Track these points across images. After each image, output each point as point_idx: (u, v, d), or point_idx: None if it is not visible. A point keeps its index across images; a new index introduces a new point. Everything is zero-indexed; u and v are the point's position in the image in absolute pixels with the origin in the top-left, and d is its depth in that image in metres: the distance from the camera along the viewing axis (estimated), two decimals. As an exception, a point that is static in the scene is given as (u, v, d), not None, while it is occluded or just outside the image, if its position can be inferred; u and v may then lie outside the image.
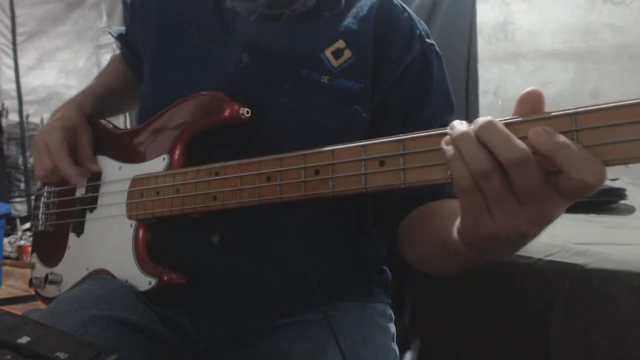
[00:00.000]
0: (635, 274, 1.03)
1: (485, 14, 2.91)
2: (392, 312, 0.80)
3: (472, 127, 0.41)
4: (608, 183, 1.72)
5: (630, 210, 1.46)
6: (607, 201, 1.47)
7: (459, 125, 0.42)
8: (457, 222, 0.46)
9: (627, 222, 1.35)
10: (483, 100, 2.41)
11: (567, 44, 2.81)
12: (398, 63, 0.70)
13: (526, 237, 0.42)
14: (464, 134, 0.41)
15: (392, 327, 0.77)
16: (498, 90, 2.88)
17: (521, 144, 0.38)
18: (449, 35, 2.71)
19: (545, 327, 1.10)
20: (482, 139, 0.40)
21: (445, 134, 0.43)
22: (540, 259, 1.11)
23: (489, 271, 1.15)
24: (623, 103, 0.37)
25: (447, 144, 0.42)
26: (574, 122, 0.39)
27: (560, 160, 0.37)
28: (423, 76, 0.72)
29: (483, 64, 2.86)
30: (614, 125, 0.37)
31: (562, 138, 0.38)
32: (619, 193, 1.48)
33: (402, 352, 0.81)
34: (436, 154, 0.45)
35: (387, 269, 0.85)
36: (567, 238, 1.16)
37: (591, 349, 1.06)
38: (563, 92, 2.66)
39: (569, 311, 1.08)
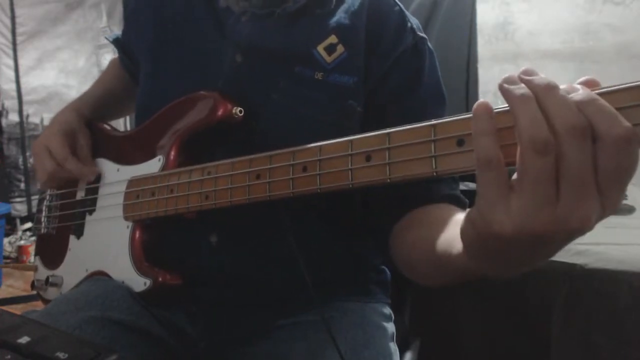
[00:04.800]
0: (635, 274, 1.03)
1: (485, 14, 2.91)
2: (391, 312, 0.80)
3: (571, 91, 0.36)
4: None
5: (630, 210, 1.46)
6: (607, 201, 1.47)
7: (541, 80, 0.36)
8: (458, 224, 0.41)
9: (627, 222, 1.35)
10: (483, 101, 2.40)
11: (567, 44, 2.81)
12: (389, 54, 0.70)
13: (551, 241, 0.35)
14: (561, 97, 0.35)
15: (392, 327, 0.77)
16: (498, 91, 2.88)
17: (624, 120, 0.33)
18: (449, 35, 2.71)
19: (545, 327, 1.10)
20: (580, 109, 0.34)
21: (433, 125, 0.42)
22: (540, 259, 1.10)
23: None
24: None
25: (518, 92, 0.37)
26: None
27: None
28: (414, 66, 0.72)
29: (483, 64, 2.86)
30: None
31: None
32: (619, 193, 1.48)
33: (402, 352, 0.81)
34: (422, 147, 0.43)
35: (386, 268, 0.85)
36: (567, 238, 1.15)
37: (591, 349, 1.06)
38: (563, 92, 2.67)
39: (569, 311, 1.08)
